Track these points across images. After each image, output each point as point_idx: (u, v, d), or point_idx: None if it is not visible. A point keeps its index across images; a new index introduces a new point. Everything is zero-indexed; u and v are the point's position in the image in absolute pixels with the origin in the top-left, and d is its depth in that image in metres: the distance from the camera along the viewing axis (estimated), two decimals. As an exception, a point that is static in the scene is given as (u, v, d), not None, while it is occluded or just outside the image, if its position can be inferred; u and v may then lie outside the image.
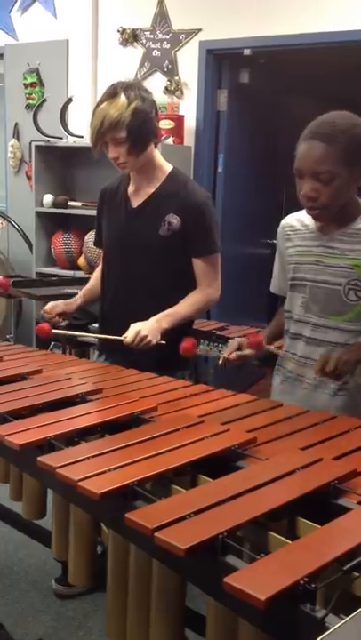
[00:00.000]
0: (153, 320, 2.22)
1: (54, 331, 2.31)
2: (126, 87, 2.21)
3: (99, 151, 2.27)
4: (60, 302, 2.47)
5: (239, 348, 2.04)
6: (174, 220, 2.29)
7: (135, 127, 2.18)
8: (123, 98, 2.18)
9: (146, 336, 2.16)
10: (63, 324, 2.43)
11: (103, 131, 2.19)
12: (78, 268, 4.60)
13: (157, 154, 2.35)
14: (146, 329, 2.17)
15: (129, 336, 2.16)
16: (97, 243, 2.60)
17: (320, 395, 1.97)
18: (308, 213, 1.91)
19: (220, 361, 2.04)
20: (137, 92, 2.21)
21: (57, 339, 4.44)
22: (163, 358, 2.19)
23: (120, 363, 2.20)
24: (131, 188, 2.40)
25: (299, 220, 2.04)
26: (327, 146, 1.76)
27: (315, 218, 1.93)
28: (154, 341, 2.17)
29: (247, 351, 2.04)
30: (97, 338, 2.28)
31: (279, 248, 2.13)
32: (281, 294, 2.14)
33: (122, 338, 2.17)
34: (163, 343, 2.18)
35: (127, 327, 2.20)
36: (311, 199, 1.83)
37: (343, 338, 1.91)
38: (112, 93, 2.20)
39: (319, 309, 1.95)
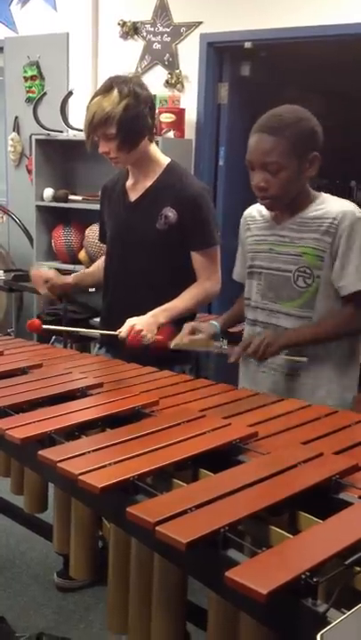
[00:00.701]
0: (149, 315, 2.21)
1: (44, 327, 2.26)
2: (121, 82, 2.19)
3: (90, 145, 2.26)
4: (50, 270, 2.45)
5: (193, 332, 2.12)
6: (171, 213, 2.28)
7: (125, 123, 2.16)
8: (115, 93, 2.16)
9: (140, 330, 2.15)
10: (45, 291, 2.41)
11: (94, 125, 2.18)
12: (79, 262, 4.59)
13: (153, 148, 2.33)
14: (141, 323, 2.17)
15: (123, 331, 2.16)
16: (100, 238, 2.59)
17: (276, 377, 2.05)
18: (261, 203, 2.03)
19: (171, 345, 2.11)
20: (131, 88, 2.18)
21: (60, 333, 4.44)
22: (164, 352, 2.19)
23: (121, 356, 2.20)
24: (129, 182, 2.39)
25: (258, 211, 2.15)
26: (275, 138, 1.86)
27: (267, 207, 2.03)
28: (149, 336, 2.16)
29: (200, 335, 2.12)
30: (91, 334, 2.25)
31: (240, 238, 2.22)
32: (242, 281, 2.23)
33: (116, 333, 2.17)
34: (160, 338, 2.17)
35: (126, 319, 2.19)
36: (262, 189, 1.93)
37: (296, 324, 2.00)
38: (107, 88, 2.19)
39: (274, 296, 2.04)
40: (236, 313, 2.29)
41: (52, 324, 4.35)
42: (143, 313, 2.22)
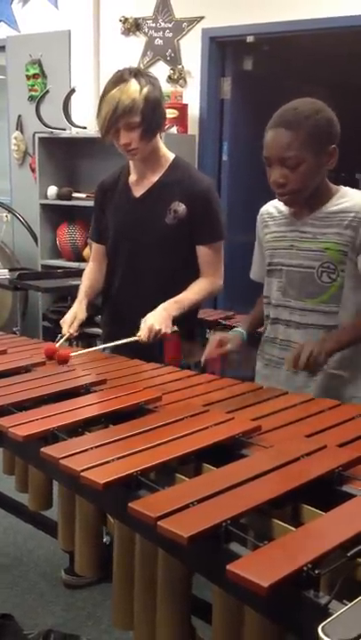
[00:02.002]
0: (161, 309, 2.21)
1: (72, 354, 2.10)
2: (135, 73, 2.21)
3: (110, 139, 2.26)
4: (68, 317, 2.36)
5: (221, 344, 2.07)
6: (180, 207, 2.28)
7: (149, 112, 2.18)
8: (134, 83, 2.17)
9: (159, 329, 2.15)
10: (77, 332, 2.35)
11: (117, 116, 2.17)
12: (84, 260, 4.59)
13: (161, 142, 2.34)
14: (157, 322, 2.16)
15: (143, 334, 2.14)
16: (93, 236, 2.57)
17: (300, 377, 1.98)
18: (280, 200, 1.97)
19: (202, 362, 2.06)
20: (146, 78, 2.21)
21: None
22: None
23: (125, 353, 2.19)
24: (132, 178, 2.39)
25: (275, 207, 2.10)
26: (292, 132, 1.82)
27: (286, 203, 1.99)
28: (168, 331, 2.16)
29: (229, 346, 2.07)
30: (114, 346, 2.21)
31: (258, 235, 2.17)
32: (260, 281, 2.18)
33: (137, 338, 2.14)
34: (176, 330, 2.17)
35: (135, 316, 2.19)
36: (281, 185, 1.89)
37: (321, 320, 1.96)
38: (120, 80, 2.19)
39: (296, 293, 1.99)
40: (258, 314, 2.21)
41: (56, 322, 4.37)
42: (150, 305, 2.21)
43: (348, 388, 1.98)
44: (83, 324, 2.37)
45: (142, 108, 2.16)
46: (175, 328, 2.18)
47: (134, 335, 2.15)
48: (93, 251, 2.58)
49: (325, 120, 1.86)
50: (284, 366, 1.95)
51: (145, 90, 2.17)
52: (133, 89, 2.16)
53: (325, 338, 1.91)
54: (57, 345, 2.17)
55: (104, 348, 2.28)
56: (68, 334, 2.30)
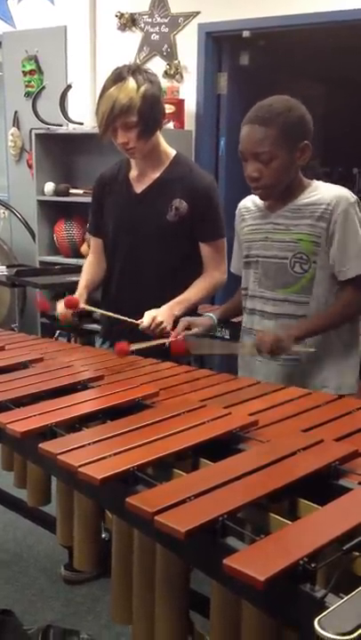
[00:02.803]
0: (166, 307, 2.22)
1: (82, 305, 2.29)
2: (133, 71, 2.19)
3: (108, 137, 2.25)
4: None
5: (188, 327, 2.13)
6: (182, 204, 2.29)
7: (146, 111, 2.17)
8: (132, 82, 2.16)
9: (162, 322, 2.15)
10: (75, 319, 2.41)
11: (114, 115, 2.17)
12: (81, 256, 4.59)
13: (161, 138, 2.34)
14: (161, 315, 2.17)
15: (145, 321, 2.15)
16: (93, 230, 2.58)
17: (274, 365, 2.05)
18: (254, 193, 2.05)
19: (166, 344, 2.09)
20: (145, 76, 2.20)
21: (62, 327, 4.44)
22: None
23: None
24: (133, 174, 2.38)
25: (252, 201, 2.16)
26: (265, 128, 1.89)
27: (260, 197, 2.06)
28: (168, 328, 2.17)
29: (196, 329, 2.13)
30: (115, 318, 2.26)
31: (236, 229, 2.23)
32: (239, 274, 2.24)
33: (138, 322, 2.16)
34: (172, 333, 2.18)
35: (134, 313, 2.19)
36: (255, 179, 1.96)
37: (291, 309, 2.02)
38: (118, 77, 2.18)
39: (271, 283, 2.05)
40: (235, 304, 2.29)
41: (54, 318, 4.38)
42: (151, 303, 2.22)
43: (315, 375, 2.03)
44: (81, 315, 2.39)
45: (139, 107, 2.15)
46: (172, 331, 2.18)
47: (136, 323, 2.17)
48: (92, 244, 2.59)
49: (297, 117, 1.92)
50: (241, 350, 2.06)
51: (142, 88, 2.16)
52: (131, 88, 2.15)
53: (290, 325, 1.99)
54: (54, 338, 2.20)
55: (108, 316, 2.31)
56: (62, 316, 2.33)
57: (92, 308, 2.39)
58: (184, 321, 2.15)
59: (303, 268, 1.98)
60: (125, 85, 2.16)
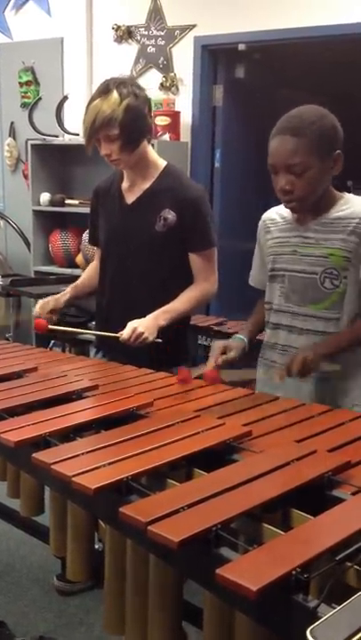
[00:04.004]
0: (150, 317, 2.22)
1: (50, 326, 2.31)
2: (119, 84, 2.20)
3: (91, 148, 2.27)
4: (49, 299, 2.47)
5: (224, 352, 2.04)
6: (170, 215, 2.29)
7: (128, 124, 2.17)
8: (115, 95, 2.17)
9: (142, 333, 2.15)
10: (54, 319, 2.43)
11: (96, 128, 2.18)
12: (76, 266, 4.60)
13: (151, 150, 2.35)
14: (142, 326, 2.17)
15: (125, 333, 2.16)
16: (91, 241, 2.60)
17: (302, 382, 1.97)
18: (286, 207, 1.96)
19: (206, 370, 2.00)
20: (130, 89, 2.20)
21: (56, 337, 4.44)
22: (160, 354, 2.19)
23: (118, 359, 2.20)
24: (125, 185, 2.40)
25: (278, 213, 2.09)
26: (297, 139, 1.81)
27: (292, 210, 1.98)
28: (150, 338, 2.17)
29: (232, 353, 2.03)
30: (93, 335, 2.28)
31: (259, 241, 2.16)
32: (259, 287, 2.17)
33: (118, 335, 2.17)
34: (159, 341, 2.18)
35: (125, 323, 2.20)
36: (287, 192, 1.87)
37: (321, 326, 1.95)
38: (105, 90, 2.19)
39: (298, 298, 1.98)
40: (259, 320, 2.18)
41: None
42: (141, 314, 2.22)
43: (346, 394, 1.97)
44: (54, 312, 2.43)
45: (121, 119, 2.15)
46: (159, 340, 2.18)
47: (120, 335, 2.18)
48: (96, 253, 2.60)
49: (330, 126, 1.87)
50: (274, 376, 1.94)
51: (126, 101, 2.16)
52: (114, 100, 2.16)
53: (318, 343, 1.91)
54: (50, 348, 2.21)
55: (85, 335, 2.32)
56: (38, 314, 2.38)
57: (60, 328, 2.40)
58: (219, 346, 2.06)
59: (334, 284, 1.91)
60: (109, 98, 2.17)
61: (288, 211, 2.00)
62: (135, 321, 2.19)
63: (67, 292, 2.54)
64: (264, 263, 2.12)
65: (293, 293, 1.99)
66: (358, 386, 1.98)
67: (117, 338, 2.17)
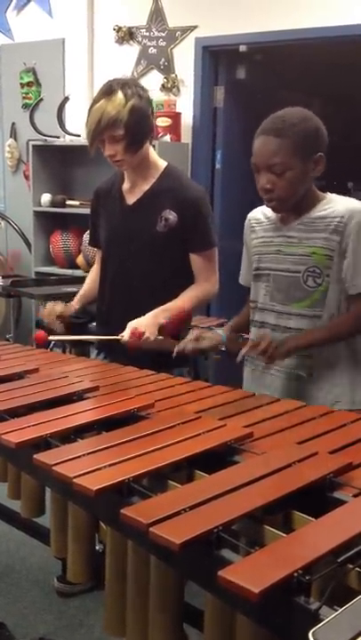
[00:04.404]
0: (149, 315, 2.22)
1: (51, 337, 2.30)
2: (123, 84, 2.21)
3: (95, 149, 2.27)
4: (57, 304, 2.46)
5: (197, 339, 2.09)
6: (171, 215, 2.29)
7: (133, 125, 2.18)
8: (120, 95, 2.18)
9: (143, 332, 2.16)
10: (59, 325, 2.43)
11: (101, 129, 2.18)
12: (77, 267, 4.61)
13: (152, 151, 2.36)
14: (142, 325, 2.18)
15: (126, 335, 2.16)
16: (92, 242, 2.60)
17: (288, 382, 2.02)
18: (267, 205, 2.01)
19: (175, 351, 2.07)
20: (134, 90, 2.21)
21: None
22: (161, 355, 2.19)
23: (118, 360, 2.20)
24: (125, 186, 2.40)
25: (263, 213, 2.13)
26: (279, 139, 1.87)
27: (273, 209, 2.02)
28: (151, 337, 2.17)
29: (204, 342, 2.09)
30: (95, 340, 2.28)
31: (245, 241, 2.20)
32: (249, 286, 2.19)
33: (119, 337, 2.17)
34: (160, 339, 2.18)
35: (126, 324, 2.20)
36: (268, 191, 1.93)
37: (305, 324, 1.99)
38: (108, 91, 2.20)
39: (282, 297, 2.02)
40: (243, 320, 2.23)
41: (50, 329, 4.36)
42: (142, 314, 2.23)
43: (328, 391, 2.00)
44: (61, 318, 2.43)
45: (126, 120, 2.16)
46: (160, 337, 2.19)
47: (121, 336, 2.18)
48: (97, 255, 2.61)
49: (312, 128, 1.91)
50: (275, 364, 1.98)
51: (131, 102, 2.17)
52: (119, 101, 2.17)
53: (290, 336, 1.97)
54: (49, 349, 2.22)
55: (86, 340, 2.31)
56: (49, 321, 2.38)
57: (60, 338, 2.39)
58: (196, 331, 2.12)
59: (316, 282, 1.95)
60: (114, 98, 2.17)
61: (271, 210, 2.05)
62: (135, 321, 2.19)
63: (75, 302, 2.52)
64: (251, 262, 2.15)
65: (278, 292, 2.03)
66: (341, 382, 2.01)
67: (119, 340, 2.17)
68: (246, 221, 2.20)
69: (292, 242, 2.00)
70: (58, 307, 2.44)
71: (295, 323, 2.00)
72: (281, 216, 2.04)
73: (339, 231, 1.92)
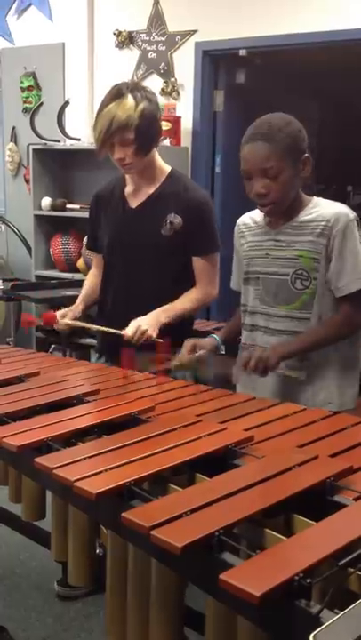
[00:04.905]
0: (152, 315, 2.24)
1: (60, 320, 2.34)
2: (132, 88, 2.22)
3: (105, 153, 2.27)
4: (66, 311, 2.45)
5: (194, 349, 2.11)
6: (176, 219, 2.31)
7: (143, 129, 2.20)
8: (130, 99, 2.19)
9: (146, 330, 2.17)
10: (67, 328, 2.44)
11: (112, 132, 2.19)
12: (77, 271, 4.61)
13: (157, 155, 2.36)
14: (145, 323, 2.19)
15: (129, 331, 2.18)
16: (90, 246, 2.60)
17: (281, 384, 2.04)
18: (262, 210, 2.05)
19: (172, 365, 2.08)
20: (143, 94, 2.23)
21: (57, 342, 4.45)
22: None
23: (119, 364, 2.20)
24: (128, 189, 2.40)
25: (251, 218, 2.17)
26: (269, 144, 1.90)
27: (268, 214, 2.05)
28: (154, 335, 2.18)
29: (202, 351, 2.11)
30: (99, 330, 2.31)
31: (235, 246, 2.24)
32: (240, 290, 2.22)
33: (122, 333, 2.19)
34: (160, 341, 2.18)
35: (128, 325, 2.21)
36: (263, 196, 1.95)
37: (294, 326, 2.02)
38: (117, 94, 2.20)
39: (272, 300, 2.06)
40: (236, 323, 2.26)
41: (50, 333, 4.37)
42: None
43: (319, 392, 2.03)
44: (76, 327, 2.43)
45: (137, 124, 2.18)
46: (160, 340, 2.19)
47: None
48: (94, 259, 2.62)
49: (296, 130, 1.95)
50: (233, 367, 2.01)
51: (141, 106, 2.19)
52: (129, 105, 2.18)
53: (280, 342, 1.99)
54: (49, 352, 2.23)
55: (89, 328, 2.32)
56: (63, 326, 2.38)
57: (75, 323, 2.40)
58: (190, 341, 2.14)
59: (304, 285, 1.99)
60: (124, 102, 2.18)
61: (261, 215, 2.10)
62: (138, 319, 2.21)
63: (79, 303, 2.52)
64: (241, 267, 2.18)
65: (267, 295, 2.07)
66: (332, 383, 2.03)
67: (121, 335, 2.18)
68: (236, 227, 2.23)
69: (281, 245, 2.03)
70: (69, 313, 2.44)
71: (284, 325, 2.03)
72: (270, 220, 2.08)
73: (325, 234, 1.96)
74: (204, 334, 3.16)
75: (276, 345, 1.99)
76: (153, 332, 2.19)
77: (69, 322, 2.39)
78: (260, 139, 1.91)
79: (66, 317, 2.41)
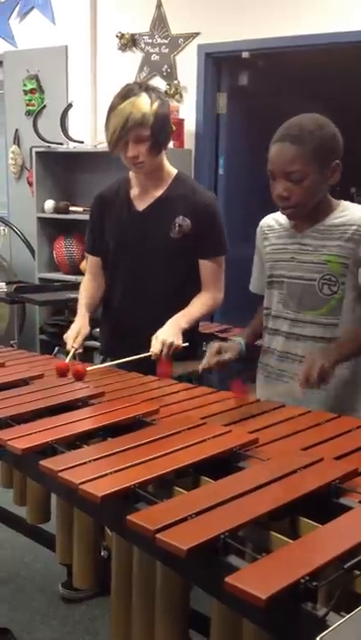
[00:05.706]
0: (170, 323, 2.21)
1: (89, 368, 2.11)
2: (146, 88, 2.24)
3: (118, 151, 2.27)
4: (75, 332, 2.33)
5: (219, 352, 2.02)
6: (185, 222, 2.31)
7: (158, 126, 2.21)
8: (145, 97, 2.19)
9: (172, 342, 2.14)
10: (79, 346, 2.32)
11: (128, 128, 2.18)
12: (81, 273, 4.60)
13: (165, 158, 2.37)
14: (168, 334, 2.16)
15: (155, 348, 2.13)
16: (90, 249, 2.56)
17: (299, 389, 1.93)
18: (283, 213, 1.98)
19: (200, 369, 2.01)
20: (156, 94, 2.24)
21: (59, 344, 4.44)
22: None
23: (123, 366, 2.20)
24: (134, 192, 2.40)
25: (275, 220, 2.11)
26: (297, 147, 1.83)
27: (288, 217, 2.00)
28: (180, 343, 2.16)
29: (227, 355, 2.01)
30: (127, 361, 2.19)
31: (258, 247, 2.18)
32: (260, 293, 2.17)
33: (149, 354, 2.13)
34: (186, 345, 2.17)
35: (139, 330, 2.21)
36: (284, 199, 1.90)
37: (319, 332, 1.96)
38: (129, 94, 2.20)
39: (296, 305, 2.00)
40: (257, 326, 2.19)
41: (53, 335, 4.34)
42: (154, 319, 2.21)
43: (350, 401, 1.98)
44: (86, 339, 2.35)
45: (152, 122, 2.18)
46: (186, 343, 2.17)
47: (145, 351, 2.12)
48: (89, 263, 2.58)
49: (330, 135, 1.88)
50: (297, 384, 1.86)
51: (155, 104, 2.20)
52: (145, 103, 2.18)
53: (328, 350, 1.89)
54: (67, 360, 2.17)
55: (117, 365, 2.24)
56: (72, 349, 2.27)
57: (103, 366, 2.23)
58: (215, 346, 2.03)
59: (332, 290, 1.93)
60: (139, 100, 2.18)
61: (285, 217, 2.02)
62: (159, 334, 2.16)
63: (83, 314, 2.42)
64: (264, 269, 2.13)
65: (292, 300, 2.01)
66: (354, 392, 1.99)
67: (149, 357, 2.12)
68: (258, 228, 2.17)
69: (307, 249, 1.97)
70: (81, 331, 2.33)
71: (310, 330, 1.97)
72: (295, 223, 2.02)
73: (355, 239, 1.90)
74: (209, 337, 3.18)
75: (324, 353, 1.85)
76: (178, 341, 2.16)
77: (99, 366, 2.24)
78: (289, 140, 1.84)
79: (78, 337, 2.30)
